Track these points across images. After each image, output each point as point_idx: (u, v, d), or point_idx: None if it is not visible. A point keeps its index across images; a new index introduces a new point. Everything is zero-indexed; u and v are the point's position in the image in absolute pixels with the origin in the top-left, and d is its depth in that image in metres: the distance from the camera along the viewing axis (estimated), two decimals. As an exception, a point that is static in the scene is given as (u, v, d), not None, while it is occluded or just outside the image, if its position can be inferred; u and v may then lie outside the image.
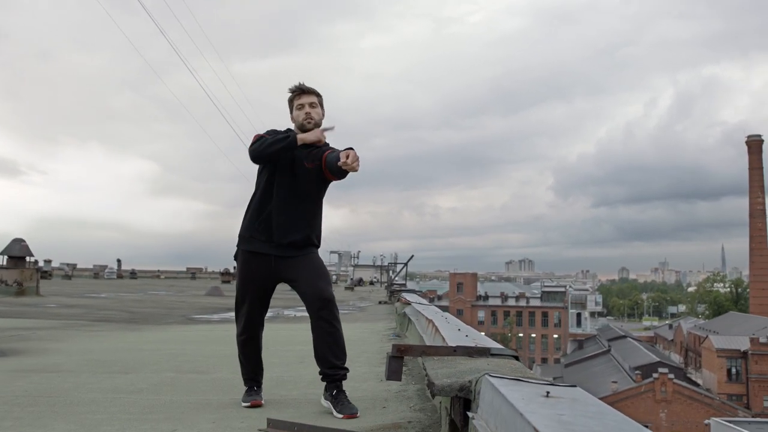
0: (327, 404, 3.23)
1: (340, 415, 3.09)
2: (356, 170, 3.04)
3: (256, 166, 3.39)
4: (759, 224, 79.44)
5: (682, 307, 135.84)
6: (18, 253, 20.20)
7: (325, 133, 3.33)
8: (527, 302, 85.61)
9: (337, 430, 2.66)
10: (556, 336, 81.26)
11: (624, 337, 68.25)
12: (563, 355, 74.10)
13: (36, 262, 24.27)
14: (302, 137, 3.25)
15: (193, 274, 54.83)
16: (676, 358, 68.09)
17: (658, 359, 51.02)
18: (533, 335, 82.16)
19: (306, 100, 3.37)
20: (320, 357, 3.25)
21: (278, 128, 3.43)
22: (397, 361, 2.74)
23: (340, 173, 3.23)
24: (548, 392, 1.64)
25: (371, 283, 58.17)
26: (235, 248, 3.43)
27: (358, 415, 3.09)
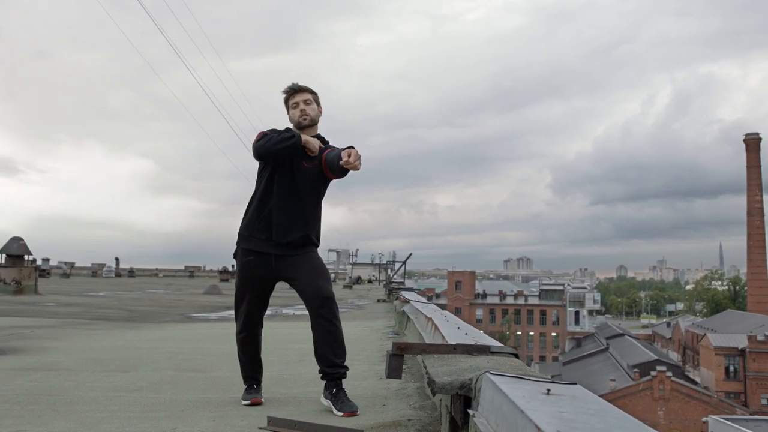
0: (327, 402, 3.24)
1: (340, 413, 3.10)
2: (358, 169, 3.04)
3: (255, 164, 3.40)
4: (757, 222, 79.59)
5: (680, 305, 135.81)
6: (16, 251, 20.16)
7: (316, 146, 3.32)
8: (525, 300, 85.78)
9: (337, 428, 2.66)
10: (554, 334, 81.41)
11: (622, 335, 68.31)
12: (561, 353, 74.23)
13: (34, 260, 24.29)
14: (305, 141, 3.26)
15: (191, 272, 54.75)
16: (674, 356, 68.24)
17: (656, 357, 51.15)
18: (531, 333, 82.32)
19: (300, 98, 3.39)
20: (320, 355, 3.26)
21: (278, 127, 3.44)
22: (397, 359, 2.74)
23: (341, 172, 3.24)
24: (549, 390, 1.64)
25: (370, 281, 58.17)
26: (235, 246, 3.44)
27: (358, 413, 3.10)
